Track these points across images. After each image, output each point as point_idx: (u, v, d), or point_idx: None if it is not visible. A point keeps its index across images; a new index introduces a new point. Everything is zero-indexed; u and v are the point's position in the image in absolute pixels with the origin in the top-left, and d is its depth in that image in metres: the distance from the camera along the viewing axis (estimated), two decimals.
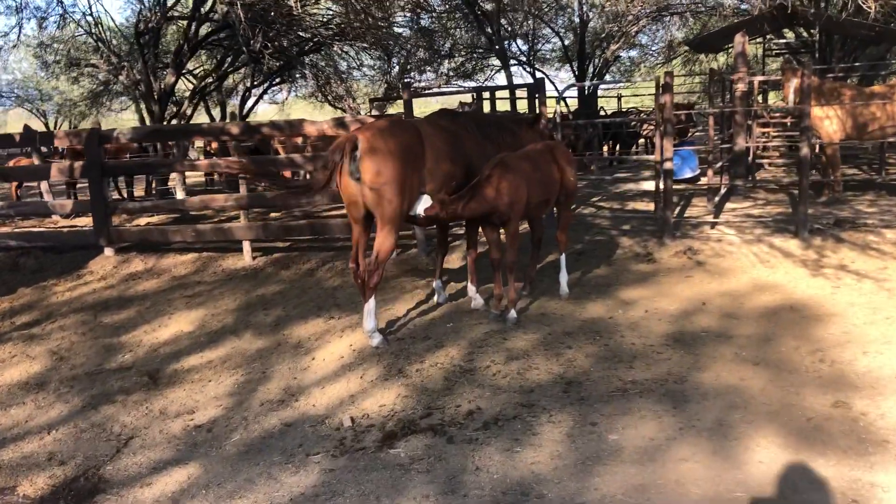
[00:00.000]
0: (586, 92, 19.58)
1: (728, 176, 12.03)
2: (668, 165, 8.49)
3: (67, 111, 33.91)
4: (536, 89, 9.47)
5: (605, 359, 5.16)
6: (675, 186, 12.07)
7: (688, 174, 12.66)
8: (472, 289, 6.54)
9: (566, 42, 21.32)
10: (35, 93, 35.79)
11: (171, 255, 8.96)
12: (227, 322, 6.61)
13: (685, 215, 9.87)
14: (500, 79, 25.60)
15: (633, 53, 28.27)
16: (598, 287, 7.04)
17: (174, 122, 17.12)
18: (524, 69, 22.21)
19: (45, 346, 6.23)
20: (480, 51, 22.04)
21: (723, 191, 10.85)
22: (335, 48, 17.06)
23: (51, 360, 5.89)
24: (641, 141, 18.88)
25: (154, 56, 14.90)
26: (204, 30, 15.58)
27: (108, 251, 8.83)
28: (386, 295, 7.12)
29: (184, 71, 16.40)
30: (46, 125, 38.22)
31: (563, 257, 6.78)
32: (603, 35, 20.24)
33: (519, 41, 21.55)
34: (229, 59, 15.75)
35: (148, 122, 16.02)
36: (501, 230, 6.13)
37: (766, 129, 13.95)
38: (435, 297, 6.78)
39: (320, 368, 5.36)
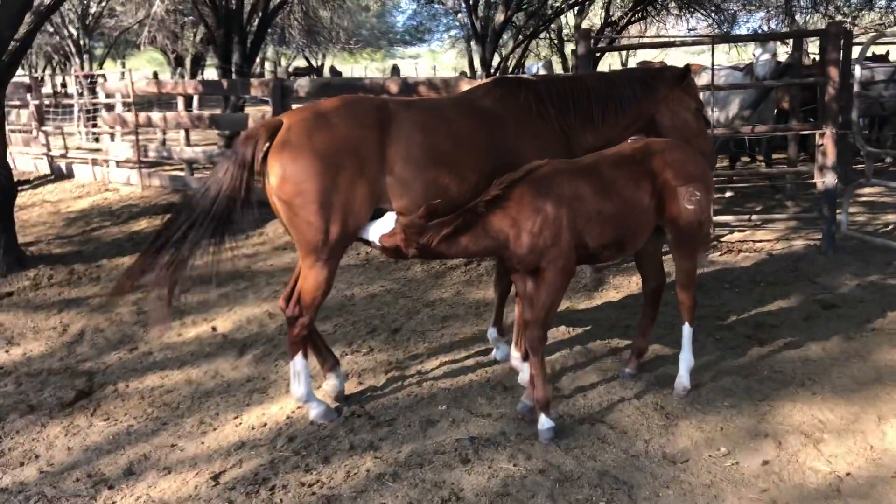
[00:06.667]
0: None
1: None
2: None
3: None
4: (831, 39, 5.99)
5: None
6: None
7: None
8: (515, 355, 4.32)
9: None
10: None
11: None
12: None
13: None
14: None
15: None
16: (770, 382, 4.20)
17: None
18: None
19: None
20: None
21: None
22: None
23: None
24: None
25: None
26: None
27: None
28: (454, 328, 5.21)
29: (523, 7, 15.01)
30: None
31: (685, 328, 4.09)
32: None
33: None
34: None
35: (477, 66, 15.17)
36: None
37: None
38: (493, 352, 4.69)
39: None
